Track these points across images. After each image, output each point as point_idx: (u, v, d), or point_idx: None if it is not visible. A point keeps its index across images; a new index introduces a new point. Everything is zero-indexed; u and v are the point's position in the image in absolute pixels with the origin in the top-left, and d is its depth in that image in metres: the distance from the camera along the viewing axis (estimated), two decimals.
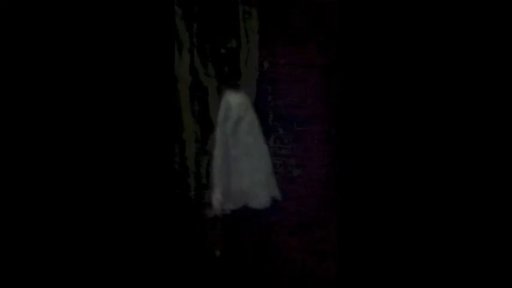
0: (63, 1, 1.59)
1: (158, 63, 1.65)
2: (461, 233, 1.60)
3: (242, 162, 1.64)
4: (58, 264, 1.59)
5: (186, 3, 1.65)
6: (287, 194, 1.68)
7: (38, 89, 1.59)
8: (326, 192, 1.69)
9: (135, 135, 1.63)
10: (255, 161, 1.65)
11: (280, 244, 1.69)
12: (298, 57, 1.69)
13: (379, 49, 1.63)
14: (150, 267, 1.64)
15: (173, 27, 1.65)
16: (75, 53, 1.60)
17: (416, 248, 1.62)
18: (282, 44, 1.69)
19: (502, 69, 1.59)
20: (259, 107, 1.68)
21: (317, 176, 1.69)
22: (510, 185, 1.58)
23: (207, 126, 1.66)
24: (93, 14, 1.60)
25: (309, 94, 1.69)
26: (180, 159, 1.66)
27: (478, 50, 1.59)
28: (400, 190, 1.62)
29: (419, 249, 1.62)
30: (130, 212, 1.62)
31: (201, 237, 1.68)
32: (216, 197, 1.62)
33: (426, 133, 1.62)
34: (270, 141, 1.69)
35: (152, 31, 1.63)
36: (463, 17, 1.59)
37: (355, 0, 1.64)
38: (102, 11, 1.61)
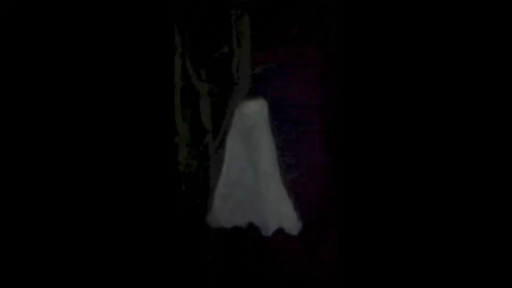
0: (65, 6, 1.60)
1: (156, 67, 1.65)
2: (460, 233, 1.60)
3: (250, 178, 1.63)
4: (58, 265, 1.60)
5: (179, 8, 1.65)
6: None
7: (41, 92, 1.60)
8: (326, 192, 1.69)
9: (133, 139, 1.63)
10: (264, 183, 1.63)
11: (280, 244, 1.69)
12: (298, 57, 1.69)
13: (379, 49, 1.63)
14: (149, 268, 1.64)
15: (170, 33, 1.65)
16: (74, 56, 1.61)
17: (416, 248, 1.62)
18: (282, 44, 1.69)
19: (500, 70, 1.58)
20: None
21: (317, 176, 1.70)
22: (509, 184, 1.58)
23: (199, 130, 1.66)
24: (92, 17, 1.61)
25: (309, 94, 1.69)
26: (174, 163, 1.67)
27: (476, 47, 1.59)
28: (400, 190, 1.62)
29: (420, 249, 1.61)
30: (129, 213, 1.63)
31: (201, 237, 1.68)
32: (213, 215, 1.62)
33: (426, 132, 1.62)
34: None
35: (150, 36, 1.64)
36: (460, 17, 1.59)
37: (354, 1, 1.64)
38: (102, 16, 1.61)
